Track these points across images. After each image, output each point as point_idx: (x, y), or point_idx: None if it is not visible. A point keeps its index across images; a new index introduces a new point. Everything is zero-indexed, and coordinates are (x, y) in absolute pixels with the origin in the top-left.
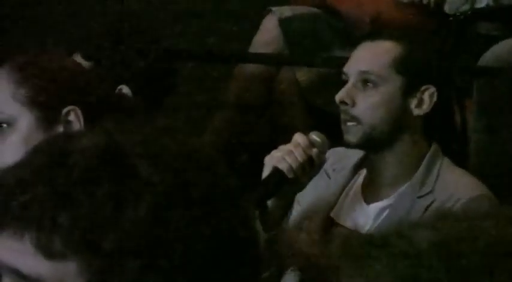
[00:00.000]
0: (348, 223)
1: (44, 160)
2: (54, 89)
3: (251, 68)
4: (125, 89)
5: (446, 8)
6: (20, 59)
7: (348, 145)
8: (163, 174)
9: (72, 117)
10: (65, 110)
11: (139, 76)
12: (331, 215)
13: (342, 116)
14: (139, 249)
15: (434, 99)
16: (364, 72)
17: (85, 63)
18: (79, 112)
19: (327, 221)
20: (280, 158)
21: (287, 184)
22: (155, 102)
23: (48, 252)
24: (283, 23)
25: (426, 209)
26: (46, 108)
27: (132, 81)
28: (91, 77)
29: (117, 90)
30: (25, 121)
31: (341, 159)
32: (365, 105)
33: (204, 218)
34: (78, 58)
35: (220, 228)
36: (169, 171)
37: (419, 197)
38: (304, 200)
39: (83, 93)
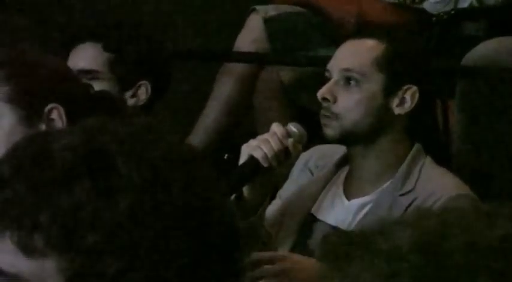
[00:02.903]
0: (328, 219)
1: (25, 158)
2: (37, 87)
3: (236, 67)
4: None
5: (428, 8)
6: (1, 57)
7: (327, 138)
8: (143, 172)
9: (54, 115)
10: (47, 108)
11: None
12: (312, 211)
13: (323, 112)
14: (120, 247)
15: (416, 98)
16: (346, 69)
17: (106, 55)
18: (61, 110)
19: (307, 217)
20: (255, 147)
21: (262, 172)
22: (150, 102)
23: (28, 250)
24: (268, 21)
25: (407, 207)
26: (29, 106)
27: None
28: (74, 74)
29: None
30: (7, 119)
31: (324, 157)
32: (346, 103)
33: (185, 216)
34: (96, 48)
35: (202, 227)
36: (149, 169)
37: (401, 195)
38: (286, 195)
39: (66, 91)
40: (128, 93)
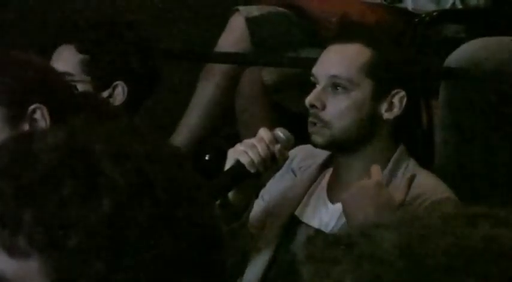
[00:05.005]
0: (312, 222)
1: (8, 158)
2: (20, 87)
3: (218, 67)
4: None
5: (410, 6)
6: None
7: (315, 145)
8: (127, 173)
9: (38, 115)
10: (30, 108)
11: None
12: (296, 213)
13: (311, 119)
14: (104, 247)
15: (404, 102)
16: (334, 76)
17: (80, 57)
18: (45, 110)
19: (291, 219)
20: (242, 152)
21: (248, 178)
22: (135, 103)
23: (11, 250)
24: (251, 22)
25: None
26: (12, 106)
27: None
28: (57, 75)
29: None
30: None
31: (308, 158)
32: (335, 110)
33: (169, 217)
34: (71, 50)
35: (186, 227)
36: (133, 170)
37: None
38: (269, 196)
39: (49, 91)
40: (104, 94)
